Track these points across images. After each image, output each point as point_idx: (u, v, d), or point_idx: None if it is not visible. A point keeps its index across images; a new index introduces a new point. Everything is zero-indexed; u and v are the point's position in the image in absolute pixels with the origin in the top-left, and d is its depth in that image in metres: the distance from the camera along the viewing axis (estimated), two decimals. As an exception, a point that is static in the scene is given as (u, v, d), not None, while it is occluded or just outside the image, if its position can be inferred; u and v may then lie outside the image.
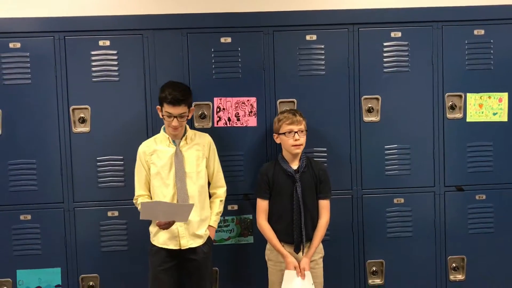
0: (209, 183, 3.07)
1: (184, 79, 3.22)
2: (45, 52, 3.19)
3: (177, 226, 2.89)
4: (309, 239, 2.97)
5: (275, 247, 2.96)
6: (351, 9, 3.30)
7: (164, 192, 2.92)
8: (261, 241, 3.12)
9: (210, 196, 3.08)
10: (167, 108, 2.86)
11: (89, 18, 3.20)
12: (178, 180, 2.91)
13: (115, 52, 3.22)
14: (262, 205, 3.01)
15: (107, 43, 3.22)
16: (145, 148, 2.99)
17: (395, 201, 3.36)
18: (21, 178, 3.21)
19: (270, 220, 3.00)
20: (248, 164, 3.27)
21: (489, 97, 3.35)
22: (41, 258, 3.23)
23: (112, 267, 3.26)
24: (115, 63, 3.22)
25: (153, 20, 3.22)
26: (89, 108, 3.22)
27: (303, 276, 2.87)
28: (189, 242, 2.92)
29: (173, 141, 2.96)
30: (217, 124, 3.27)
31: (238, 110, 3.26)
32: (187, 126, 3.02)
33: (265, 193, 2.99)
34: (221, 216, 3.20)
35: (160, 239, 2.94)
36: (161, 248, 2.93)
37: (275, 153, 3.21)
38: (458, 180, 3.37)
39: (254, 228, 3.25)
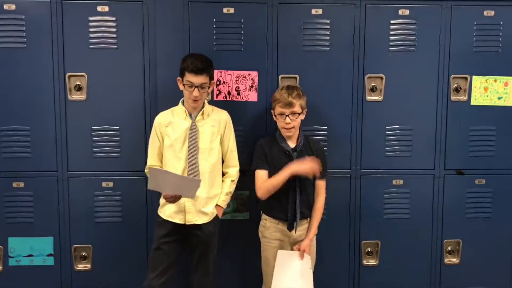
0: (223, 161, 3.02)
1: (184, 49, 3.14)
2: (41, 15, 3.09)
3: (185, 201, 2.85)
4: (303, 217, 2.93)
5: (281, 175, 2.81)
6: (359, -17, 3.20)
7: (176, 165, 2.87)
8: (257, 217, 3.09)
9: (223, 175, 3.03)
10: (189, 77, 2.79)
11: (87, -18, 3.09)
12: (191, 155, 2.86)
13: (114, 18, 3.12)
14: (263, 173, 2.91)
15: (106, 9, 3.11)
16: (161, 119, 2.94)
17: (394, 182, 3.32)
18: (14, 145, 3.15)
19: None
20: (247, 140, 3.20)
21: (495, 80, 3.29)
22: (33, 226, 3.19)
23: (105, 238, 3.22)
24: (114, 30, 3.12)
25: (154, -14, 3.12)
26: (86, 75, 3.14)
27: (302, 256, 2.85)
28: (195, 218, 2.88)
29: (190, 115, 2.90)
30: (217, 97, 3.19)
31: (239, 84, 3.18)
32: (206, 101, 2.95)
33: (264, 163, 2.92)
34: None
35: (166, 211, 2.91)
36: (167, 220, 2.90)
37: (275, 130, 3.14)
38: (459, 164, 3.33)
39: (250, 204, 3.22)
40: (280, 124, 2.90)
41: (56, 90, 3.13)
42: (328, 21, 3.20)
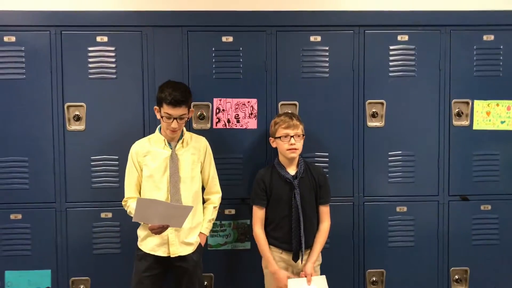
0: (203, 188, 2.97)
1: (184, 78, 3.13)
2: (40, 46, 3.10)
3: (168, 233, 2.78)
4: (308, 246, 2.87)
5: (267, 260, 2.86)
6: (357, 10, 3.21)
7: (156, 196, 2.78)
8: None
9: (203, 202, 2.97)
10: (167, 109, 2.73)
11: (87, 13, 3.11)
12: (172, 185, 2.80)
13: (113, 48, 3.13)
14: (259, 213, 2.90)
15: (105, 39, 3.13)
16: (138, 148, 2.87)
17: (397, 209, 3.26)
18: (12, 176, 3.12)
19: (268, 227, 2.91)
20: (247, 168, 3.17)
21: (497, 104, 3.26)
22: (31, 259, 3.14)
23: (104, 270, 3.16)
24: (113, 60, 3.13)
25: (153, 16, 3.13)
26: (85, 105, 3.13)
27: (309, 282, 2.78)
28: (179, 250, 2.81)
29: (169, 144, 2.84)
30: (216, 125, 3.17)
31: (238, 112, 3.16)
32: (184, 129, 2.91)
33: (262, 200, 2.89)
34: (217, 220, 3.12)
35: (148, 244, 2.82)
36: (148, 254, 2.82)
37: (275, 157, 3.12)
38: (463, 189, 3.28)
39: (252, 233, 3.15)
40: (283, 146, 2.85)
41: (55, 120, 3.12)
42: (327, 48, 3.19)
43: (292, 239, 2.84)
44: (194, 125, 3.16)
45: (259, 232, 2.89)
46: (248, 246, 3.21)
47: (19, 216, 3.13)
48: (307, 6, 3.19)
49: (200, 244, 2.89)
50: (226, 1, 3.18)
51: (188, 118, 2.86)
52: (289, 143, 2.83)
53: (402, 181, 3.26)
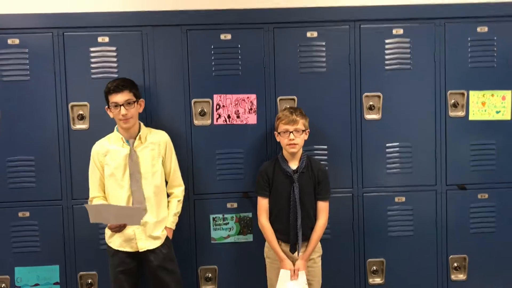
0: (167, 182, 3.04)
1: (184, 76, 3.21)
2: (44, 48, 3.17)
3: (133, 228, 2.85)
4: (306, 239, 2.94)
5: (274, 249, 2.94)
6: (353, 6, 3.26)
7: (119, 194, 2.87)
8: (260, 239, 3.10)
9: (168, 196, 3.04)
10: (112, 98, 2.83)
11: (88, 14, 3.18)
12: (133, 182, 2.85)
13: (114, 48, 3.20)
14: (263, 203, 2.98)
15: (106, 39, 3.20)
16: (98, 148, 2.94)
17: (396, 199, 3.32)
18: (20, 175, 3.20)
19: (269, 218, 2.98)
20: (248, 162, 3.24)
21: (492, 95, 3.32)
22: (39, 255, 3.22)
23: (109, 264, 3.23)
24: (114, 59, 3.20)
25: (152, 16, 3.20)
26: (88, 104, 3.20)
27: (296, 276, 2.85)
28: (146, 244, 2.88)
29: (127, 141, 2.90)
30: (217, 121, 3.24)
31: (238, 108, 3.23)
32: (142, 124, 2.97)
33: (265, 191, 2.97)
34: (220, 214, 3.19)
35: (116, 241, 2.90)
36: (118, 250, 2.90)
37: (275, 151, 3.19)
38: (460, 179, 3.33)
39: (254, 226, 3.23)
40: (284, 141, 2.93)
41: (59, 120, 3.20)
42: (323, 43, 3.25)
43: (289, 231, 2.91)
44: (195, 122, 3.22)
45: (264, 222, 2.96)
46: (250, 239, 3.28)
47: (27, 214, 3.21)
48: (303, 2, 3.24)
49: (167, 237, 2.95)
50: (224, -1, 3.26)
51: (140, 110, 2.92)
52: (289, 138, 2.90)
53: (400, 172, 3.32)
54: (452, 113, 3.31)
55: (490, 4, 3.28)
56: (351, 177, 3.31)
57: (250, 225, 3.27)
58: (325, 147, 3.29)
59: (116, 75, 3.18)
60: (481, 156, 3.33)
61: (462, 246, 3.35)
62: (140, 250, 2.87)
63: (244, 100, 3.23)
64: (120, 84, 2.84)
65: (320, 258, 3.03)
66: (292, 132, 2.89)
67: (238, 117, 3.24)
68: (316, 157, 3.24)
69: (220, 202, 3.27)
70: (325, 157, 3.28)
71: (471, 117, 3.32)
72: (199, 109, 3.23)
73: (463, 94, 3.31)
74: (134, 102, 2.87)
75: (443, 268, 3.35)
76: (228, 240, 3.28)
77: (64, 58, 3.18)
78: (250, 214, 3.26)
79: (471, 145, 3.32)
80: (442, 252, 3.35)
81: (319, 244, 3.01)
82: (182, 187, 3.05)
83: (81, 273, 3.25)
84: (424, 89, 3.30)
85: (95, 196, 2.95)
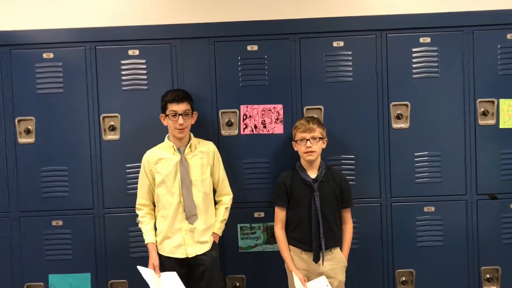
0: (214, 191, 3.10)
1: (211, 87, 3.26)
2: (76, 61, 3.28)
3: (183, 235, 2.93)
4: (328, 247, 2.93)
5: (285, 259, 2.96)
6: (379, 15, 3.27)
7: (170, 200, 2.95)
8: (288, 248, 3.10)
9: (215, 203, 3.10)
10: (172, 107, 2.92)
11: (118, 28, 3.28)
12: (184, 188, 2.93)
13: (144, 61, 3.28)
14: (280, 214, 3.00)
15: (136, 52, 3.28)
16: (149, 156, 3.02)
17: (425, 209, 3.28)
18: (53, 185, 3.30)
19: (288, 228, 2.99)
20: (275, 172, 3.25)
21: (523, 102, 3.26)
22: (72, 263, 3.30)
23: (140, 273, 3.28)
24: (144, 72, 3.28)
25: (181, 29, 3.27)
26: (119, 116, 3.29)
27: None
28: (195, 250, 2.95)
29: (178, 149, 2.98)
30: (244, 131, 3.28)
31: (265, 117, 3.26)
32: (191, 134, 3.04)
33: (283, 201, 2.98)
34: (248, 223, 3.22)
35: (166, 248, 2.97)
36: (168, 257, 2.96)
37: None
38: (491, 188, 3.28)
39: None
40: (301, 149, 2.95)
41: (91, 130, 3.29)
42: (349, 53, 3.26)
43: (311, 240, 2.91)
44: (222, 132, 3.27)
45: (279, 232, 2.99)
46: (277, 248, 3.26)
47: (60, 223, 3.30)
48: (329, 12, 3.28)
49: (214, 242, 3.01)
50: (250, 11, 3.31)
51: (193, 121, 3.01)
52: (306, 146, 2.91)
53: (429, 181, 3.28)
54: (482, 122, 3.26)
55: (520, 10, 3.25)
56: (379, 186, 3.29)
57: (277, 235, 3.28)
58: (353, 156, 3.28)
59: (146, 87, 3.27)
60: (512, 165, 3.28)
61: (494, 257, 3.28)
62: (189, 256, 2.93)
63: (270, 110, 3.26)
64: (181, 95, 2.95)
65: (344, 269, 2.99)
66: (309, 139, 2.91)
67: (264, 127, 3.27)
68: (344, 166, 3.24)
69: (247, 211, 3.30)
70: (353, 167, 3.28)
71: (501, 125, 3.26)
72: (226, 120, 3.27)
73: (493, 102, 3.26)
74: (191, 113, 2.97)
75: (475, 280, 3.28)
76: (256, 249, 3.30)
77: (96, 70, 3.27)
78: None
79: (501, 153, 3.27)
80: (474, 263, 3.28)
81: (343, 256, 2.98)
82: (231, 196, 3.12)
83: (111, 281, 3.31)
84: (452, 98, 3.27)
85: (142, 204, 3.03)
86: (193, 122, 3.03)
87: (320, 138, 2.94)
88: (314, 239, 2.89)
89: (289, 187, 2.97)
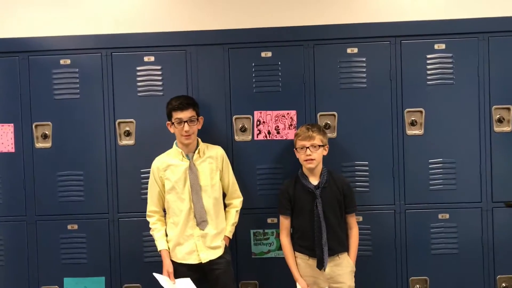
0: (224, 195, 3.11)
1: (226, 93, 3.28)
2: (93, 67, 3.33)
3: (195, 241, 2.94)
4: (332, 254, 2.92)
5: (290, 267, 2.97)
6: (393, 21, 3.27)
7: (180, 207, 2.96)
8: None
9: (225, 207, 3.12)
10: (176, 115, 2.93)
11: (134, 35, 3.32)
12: (194, 194, 2.95)
13: (159, 67, 3.32)
14: (284, 222, 3.01)
15: (152, 58, 3.32)
16: (158, 163, 3.04)
17: (439, 216, 3.26)
18: (69, 189, 3.34)
19: (295, 235, 3.01)
20: (288, 178, 3.23)
21: (540, 109, 3.23)
22: (86, 266, 3.34)
23: (154, 277, 3.30)
24: (160, 78, 3.32)
25: (196, 36, 3.31)
26: (134, 121, 3.32)
27: None
28: (208, 255, 2.95)
29: (186, 155, 3.00)
30: (257, 137, 3.29)
31: (278, 123, 3.28)
32: (199, 139, 3.06)
33: (287, 210, 2.99)
34: (261, 229, 3.23)
35: (178, 254, 2.98)
36: (181, 263, 2.97)
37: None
38: (507, 195, 3.24)
39: (294, 241, 3.24)
40: (301, 157, 2.95)
41: (107, 136, 3.33)
42: (364, 59, 3.27)
43: (315, 245, 2.91)
44: (236, 137, 3.29)
45: (284, 240, 3.01)
46: (291, 254, 3.29)
47: (76, 227, 3.34)
48: (343, 19, 3.28)
49: (226, 246, 3.03)
50: (264, 18, 3.33)
51: (199, 126, 3.02)
52: (305, 154, 2.92)
53: (443, 189, 3.26)
54: (497, 129, 3.24)
55: (536, 17, 3.22)
56: (393, 193, 3.28)
57: (290, 241, 3.28)
58: (366, 163, 3.28)
59: (161, 93, 3.30)
60: (529, 173, 3.24)
61: (510, 266, 3.24)
62: (203, 262, 2.95)
63: (284, 116, 3.28)
64: (185, 102, 2.96)
65: (353, 274, 2.98)
66: (308, 147, 2.91)
67: (278, 133, 3.28)
68: (357, 173, 3.23)
69: (260, 217, 3.31)
70: (367, 173, 3.27)
71: (517, 132, 3.24)
72: (240, 125, 3.29)
73: (508, 109, 3.23)
74: (196, 119, 2.99)
75: (490, 288, 3.26)
76: (269, 255, 3.30)
77: (112, 77, 3.32)
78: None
79: (518, 161, 3.24)
80: (490, 272, 3.25)
81: (350, 261, 2.97)
82: (241, 199, 3.14)
83: (125, 285, 3.33)
84: (467, 104, 3.25)
85: (152, 211, 3.05)
86: (199, 127, 3.04)
87: (320, 145, 2.93)
88: (317, 245, 2.89)
89: (292, 195, 2.98)
